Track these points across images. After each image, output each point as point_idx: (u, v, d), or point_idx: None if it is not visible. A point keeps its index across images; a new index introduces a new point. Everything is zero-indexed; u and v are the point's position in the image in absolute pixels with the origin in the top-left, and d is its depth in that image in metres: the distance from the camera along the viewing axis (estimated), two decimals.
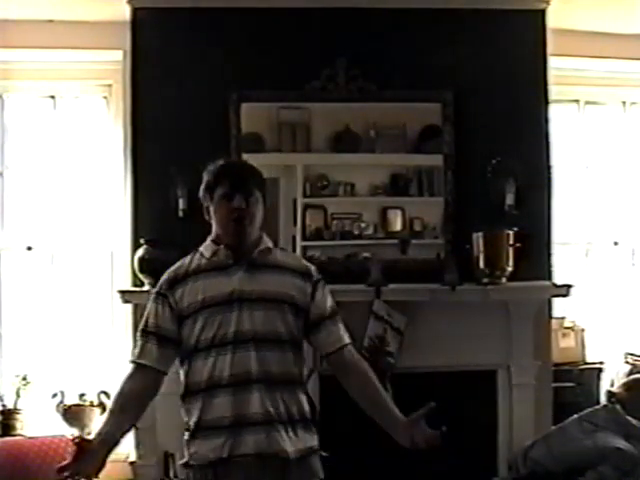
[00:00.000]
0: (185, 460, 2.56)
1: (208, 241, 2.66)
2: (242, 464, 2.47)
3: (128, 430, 2.58)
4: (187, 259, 2.66)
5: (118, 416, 2.54)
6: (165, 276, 2.64)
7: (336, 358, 2.65)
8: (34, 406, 4.63)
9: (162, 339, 2.57)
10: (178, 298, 2.57)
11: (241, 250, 2.59)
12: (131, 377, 2.58)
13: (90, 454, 2.43)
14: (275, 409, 2.50)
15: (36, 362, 4.78)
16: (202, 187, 2.66)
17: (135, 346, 2.62)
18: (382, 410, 2.61)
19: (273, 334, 2.53)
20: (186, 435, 2.57)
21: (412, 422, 2.55)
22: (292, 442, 2.52)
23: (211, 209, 2.62)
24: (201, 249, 2.65)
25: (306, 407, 2.61)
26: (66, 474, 2.40)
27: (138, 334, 2.62)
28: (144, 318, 2.62)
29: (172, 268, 2.65)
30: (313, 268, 2.70)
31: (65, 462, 2.41)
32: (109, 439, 2.49)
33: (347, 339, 2.68)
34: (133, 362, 2.59)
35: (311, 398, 2.81)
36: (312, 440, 2.62)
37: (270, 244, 2.67)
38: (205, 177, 2.67)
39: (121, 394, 2.56)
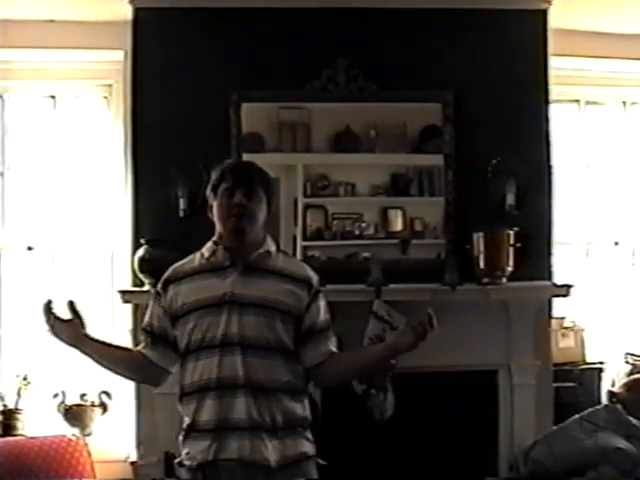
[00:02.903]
0: (179, 459, 2.60)
1: (210, 241, 2.63)
2: (227, 468, 2.48)
3: (103, 360, 2.67)
4: (189, 258, 2.66)
5: (115, 350, 2.71)
6: (164, 275, 2.65)
7: (316, 370, 2.61)
8: (35, 406, 4.63)
9: (155, 337, 2.62)
10: (171, 298, 2.58)
11: (240, 251, 2.55)
12: (138, 353, 2.68)
13: (73, 327, 2.59)
14: (260, 416, 2.47)
15: (37, 362, 4.77)
16: (209, 186, 2.63)
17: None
18: (369, 349, 2.91)
19: (261, 340, 2.49)
20: (181, 436, 2.60)
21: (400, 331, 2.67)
22: (277, 450, 2.49)
23: (214, 207, 2.60)
24: (202, 249, 2.64)
25: (299, 415, 2.57)
26: (46, 321, 2.57)
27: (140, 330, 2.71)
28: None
29: (172, 267, 2.67)
30: (315, 278, 2.63)
31: (53, 317, 2.58)
32: (93, 341, 2.64)
33: (332, 351, 2.64)
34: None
35: (314, 405, 2.83)
36: (304, 446, 2.58)
37: (272, 248, 2.62)
38: (212, 176, 2.65)
39: (130, 352, 2.75)
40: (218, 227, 2.59)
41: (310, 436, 2.62)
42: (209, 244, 2.63)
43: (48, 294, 4.69)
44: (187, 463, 2.55)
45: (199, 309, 2.52)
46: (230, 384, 2.48)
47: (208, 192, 2.63)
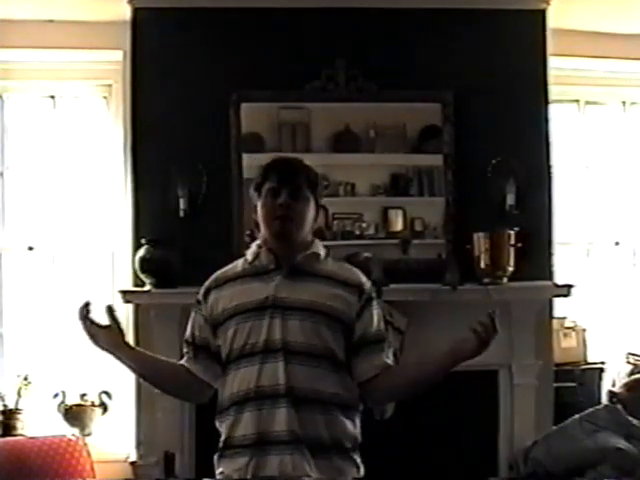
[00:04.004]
0: None
1: (254, 245, 2.46)
2: None
3: (142, 370, 2.52)
4: (232, 265, 2.50)
5: (157, 360, 2.54)
6: (205, 283, 2.50)
7: (369, 385, 2.40)
8: (35, 406, 4.63)
9: (197, 348, 2.46)
10: (212, 304, 2.43)
11: (285, 254, 2.39)
12: (180, 367, 2.51)
13: (112, 333, 2.44)
14: (302, 429, 2.28)
15: (37, 362, 4.78)
16: (252, 185, 2.47)
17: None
18: (425, 360, 2.50)
19: (306, 346, 2.31)
20: (216, 455, 2.43)
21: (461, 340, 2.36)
22: (321, 469, 2.30)
23: (258, 207, 2.42)
24: (247, 253, 2.47)
25: (349, 433, 2.38)
26: (83, 326, 2.44)
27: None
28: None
29: (214, 275, 2.51)
30: (368, 284, 2.44)
31: (90, 322, 2.44)
32: (137, 352, 2.52)
33: (387, 364, 2.42)
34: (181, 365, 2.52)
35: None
36: (351, 472, 2.38)
37: (321, 251, 2.45)
38: (257, 175, 2.48)
39: (173, 364, 2.53)
40: (262, 229, 2.42)
41: (359, 460, 2.42)
42: (253, 248, 2.46)
43: (49, 294, 4.81)
44: None
45: (240, 314, 2.35)
46: (270, 394, 2.29)
47: (251, 192, 2.46)
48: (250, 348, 2.33)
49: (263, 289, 2.36)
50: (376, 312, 2.44)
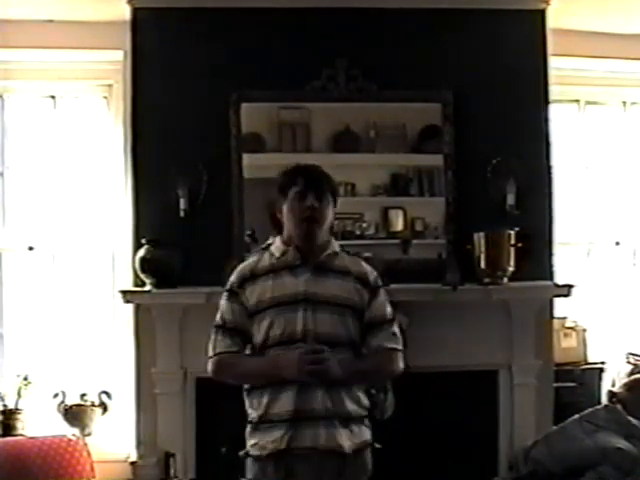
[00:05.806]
0: (245, 450, 2.71)
1: (278, 242, 2.76)
2: (300, 457, 2.62)
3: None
4: (255, 258, 2.78)
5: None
6: (236, 275, 2.76)
7: None
8: (35, 406, 4.64)
9: (234, 332, 2.72)
10: (248, 295, 2.70)
11: (310, 251, 2.71)
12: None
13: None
14: (334, 406, 2.63)
15: (37, 362, 4.78)
16: (277, 188, 2.76)
17: (210, 342, 2.74)
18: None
19: (334, 337, 2.64)
20: (248, 427, 2.71)
21: None
22: (348, 437, 2.66)
23: (284, 209, 2.72)
24: (272, 249, 2.76)
25: (364, 404, 2.75)
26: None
27: (212, 330, 2.75)
28: (218, 315, 2.75)
29: (242, 266, 2.78)
30: (372, 275, 2.77)
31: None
32: None
33: (389, 344, 2.75)
34: (212, 356, 2.73)
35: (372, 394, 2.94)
36: (367, 434, 2.76)
37: (337, 248, 2.78)
38: (280, 179, 2.79)
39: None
40: (289, 229, 2.72)
41: (369, 424, 2.79)
42: (279, 244, 2.75)
43: (49, 294, 4.81)
44: (255, 453, 2.67)
45: (275, 306, 2.66)
46: None
47: (277, 194, 2.75)
48: (289, 336, 2.63)
49: (294, 284, 2.68)
50: (381, 299, 2.78)
